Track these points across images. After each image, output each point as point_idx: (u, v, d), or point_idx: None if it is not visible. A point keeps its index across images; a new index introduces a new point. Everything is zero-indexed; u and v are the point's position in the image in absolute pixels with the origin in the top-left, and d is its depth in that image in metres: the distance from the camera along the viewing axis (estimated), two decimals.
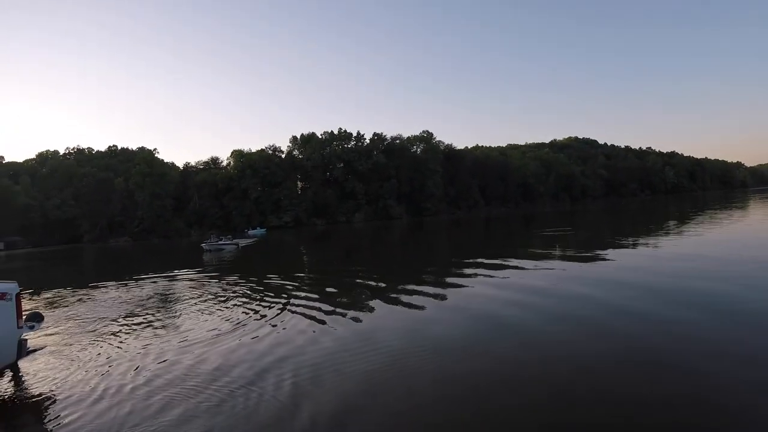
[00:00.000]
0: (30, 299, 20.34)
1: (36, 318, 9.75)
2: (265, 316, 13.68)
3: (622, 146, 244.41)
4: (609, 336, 9.58)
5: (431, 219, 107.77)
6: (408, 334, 10.87)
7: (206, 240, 52.01)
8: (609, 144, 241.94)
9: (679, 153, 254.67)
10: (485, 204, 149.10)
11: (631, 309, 11.43)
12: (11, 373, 9.03)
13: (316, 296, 16.70)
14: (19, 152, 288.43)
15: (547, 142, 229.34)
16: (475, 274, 19.10)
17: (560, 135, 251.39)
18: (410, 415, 6.63)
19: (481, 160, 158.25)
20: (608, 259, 20.85)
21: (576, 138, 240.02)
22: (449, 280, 18.74)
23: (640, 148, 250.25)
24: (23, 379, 8.96)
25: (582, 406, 6.56)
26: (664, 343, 8.80)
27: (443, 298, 15.16)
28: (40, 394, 8.12)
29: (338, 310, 14.01)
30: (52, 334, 12.86)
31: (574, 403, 6.65)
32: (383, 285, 19.04)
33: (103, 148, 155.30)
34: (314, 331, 11.52)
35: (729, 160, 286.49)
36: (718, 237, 26.96)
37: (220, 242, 49.54)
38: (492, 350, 9.23)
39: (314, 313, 13.75)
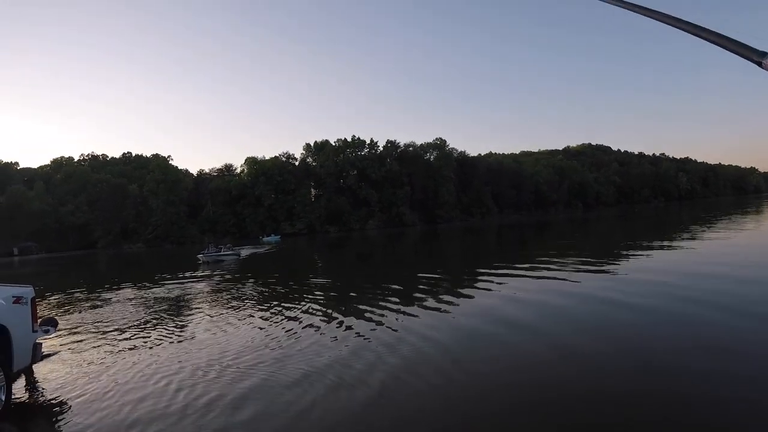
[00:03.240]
0: (44, 304, 20.15)
1: (51, 323, 9.65)
2: (336, 317, 13.48)
3: (636, 152, 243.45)
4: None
5: (445, 226, 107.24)
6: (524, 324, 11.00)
7: (203, 250, 44.75)
8: (622, 150, 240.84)
9: (693, 159, 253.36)
10: (498, 211, 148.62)
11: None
12: (25, 377, 8.91)
13: (383, 294, 16.83)
14: (34, 158, 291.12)
15: (560, 149, 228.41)
16: (528, 275, 19.46)
17: (574, 142, 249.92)
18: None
19: (494, 167, 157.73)
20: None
21: (589, 145, 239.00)
22: (503, 279, 18.53)
23: (653, 154, 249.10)
24: (37, 384, 8.86)
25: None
26: None
27: (517, 293, 15.38)
28: (53, 399, 8.00)
29: (422, 304, 14.44)
30: (67, 340, 12.70)
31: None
32: (439, 284, 19.60)
33: (117, 154, 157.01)
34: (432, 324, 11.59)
35: (743, 166, 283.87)
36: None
37: (219, 252, 43.32)
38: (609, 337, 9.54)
39: (401, 307, 14.08)
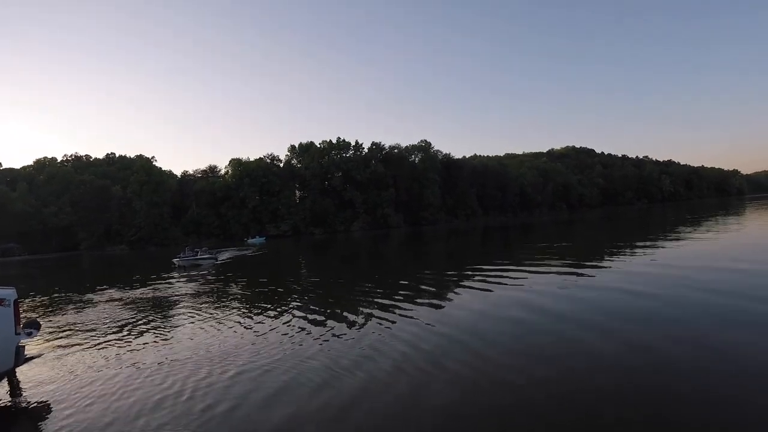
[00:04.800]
0: (27, 306, 20.21)
1: (33, 325, 9.59)
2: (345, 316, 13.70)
3: (619, 155, 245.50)
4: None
5: (429, 228, 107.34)
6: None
7: (179, 254, 42.05)
8: (606, 153, 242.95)
9: (676, 161, 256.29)
10: (483, 213, 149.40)
11: None
12: (8, 381, 8.84)
13: (375, 294, 17.31)
14: (17, 159, 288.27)
15: (544, 151, 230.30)
16: (517, 271, 20.29)
17: (558, 144, 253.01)
18: None
19: (479, 169, 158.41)
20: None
21: (573, 147, 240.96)
22: (491, 279, 19.02)
23: (636, 156, 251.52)
24: (20, 387, 8.84)
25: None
26: None
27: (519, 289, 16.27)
28: (37, 402, 8.04)
29: (415, 303, 14.91)
30: (50, 342, 12.76)
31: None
32: (428, 284, 19.86)
33: (101, 155, 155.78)
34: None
35: (725, 168, 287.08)
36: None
37: (196, 256, 40.89)
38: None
39: (389, 308, 14.31)
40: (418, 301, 15.27)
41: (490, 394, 7.06)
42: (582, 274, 18.46)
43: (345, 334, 11.40)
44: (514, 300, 14.14)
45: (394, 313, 13.41)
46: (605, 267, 20.46)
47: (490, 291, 16.06)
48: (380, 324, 12.08)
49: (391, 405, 6.94)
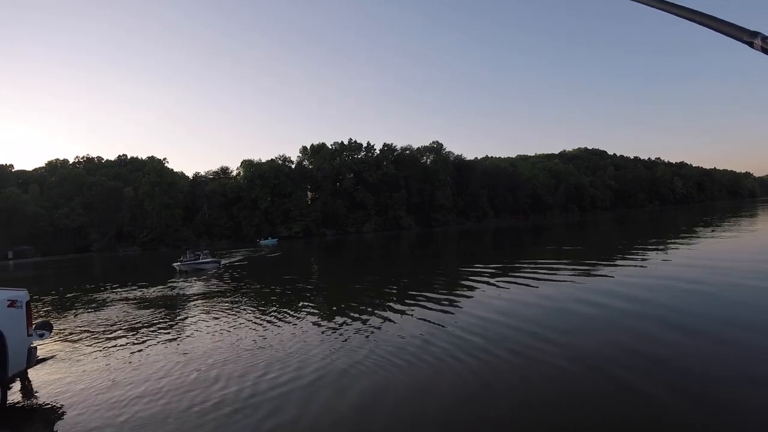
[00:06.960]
0: (39, 308, 19.98)
1: (45, 326, 9.70)
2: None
3: (631, 157, 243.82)
4: None
5: (441, 230, 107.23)
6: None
7: (181, 258, 40.44)
8: (618, 155, 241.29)
9: (688, 163, 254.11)
10: (494, 215, 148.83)
11: None
12: (20, 382, 8.87)
13: (397, 294, 17.02)
14: (29, 161, 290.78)
15: (556, 153, 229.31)
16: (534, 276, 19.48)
17: (569, 146, 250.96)
18: None
19: (490, 170, 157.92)
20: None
21: (585, 149, 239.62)
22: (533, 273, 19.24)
23: (648, 158, 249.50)
24: (32, 388, 8.80)
25: None
26: None
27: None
28: (48, 403, 7.94)
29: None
30: (62, 343, 12.59)
31: None
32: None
33: (112, 157, 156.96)
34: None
35: (737, 170, 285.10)
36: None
37: (198, 260, 38.85)
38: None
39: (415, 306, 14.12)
40: (450, 297, 15.16)
41: (554, 381, 7.12)
42: (613, 271, 18.33)
43: (392, 329, 11.28)
44: (545, 295, 14.23)
45: (431, 309, 13.25)
46: (632, 264, 20.28)
47: (508, 288, 16.10)
48: (423, 319, 11.98)
49: (464, 389, 7.05)
